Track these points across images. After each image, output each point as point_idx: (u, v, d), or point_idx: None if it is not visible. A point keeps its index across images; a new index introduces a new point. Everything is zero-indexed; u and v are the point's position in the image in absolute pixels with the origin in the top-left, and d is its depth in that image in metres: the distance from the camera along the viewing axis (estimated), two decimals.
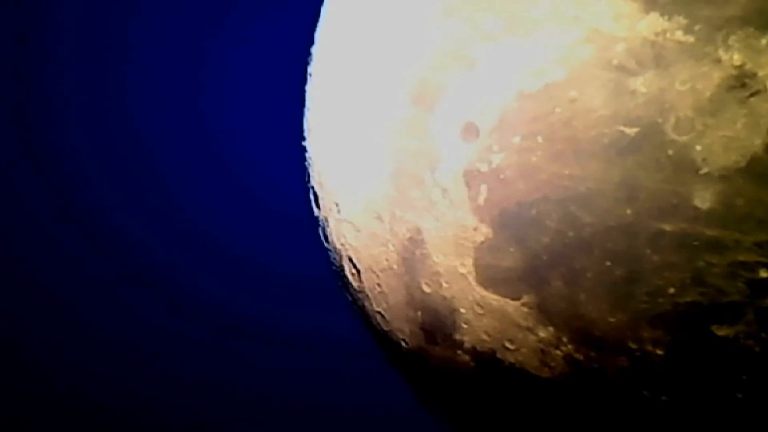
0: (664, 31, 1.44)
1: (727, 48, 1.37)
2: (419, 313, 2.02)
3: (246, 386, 11.79)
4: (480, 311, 1.81)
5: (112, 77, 12.46)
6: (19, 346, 11.43)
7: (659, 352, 1.54)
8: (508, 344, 1.79)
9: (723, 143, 1.38)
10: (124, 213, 12.95)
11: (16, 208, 11.87)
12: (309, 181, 2.55)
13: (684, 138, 1.41)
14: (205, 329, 12.52)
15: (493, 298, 1.77)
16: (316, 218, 2.56)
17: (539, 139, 1.60)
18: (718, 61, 1.38)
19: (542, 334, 1.70)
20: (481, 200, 1.73)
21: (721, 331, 1.46)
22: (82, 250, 12.44)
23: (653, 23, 1.46)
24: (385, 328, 2.24)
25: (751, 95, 1.35)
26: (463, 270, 1.82)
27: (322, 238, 2.53)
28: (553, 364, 1.71)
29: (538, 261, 1.64)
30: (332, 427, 11.38)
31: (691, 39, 1.41)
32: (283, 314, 12.46)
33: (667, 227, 1.46)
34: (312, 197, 2.55)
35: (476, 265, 1.79)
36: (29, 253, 12.03)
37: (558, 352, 1.69)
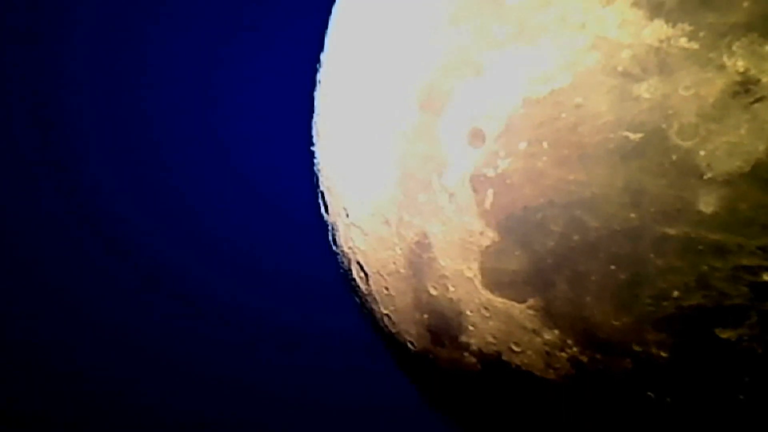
0: (669, 38, 1.46)
1: (731, 54, 1.39)
2: (426, 316, 2.03)
3: (259, 385, 11.85)
4: (486, 314, 1.83)
5: (128, 86, 12.68)
6: (35, 347, 11.60)
7: (663, 354, 1.54)
8: (513, 346, 1.80)
9: (727, 149, 1.39)
10: (140, 218, 13.13)
11: (35, 213, 12.10)
12: (318, 186, 2.59)
13: (688, 143, 1.43)
14: (218, 330, 12.62)
15: (499, 301, 1.78)
16: (325, 222, 2.59)
17: (545, 144, 1.61)
18: (722, 67, 1.39)
19: (548, 336, 1.71)
20: (487, 205, 1.75)
21: (725, 334, 1.47)
22: (98, 253, 12.63)
23: (658, 30, 1.48)
24: (393, 330, 2.26)
25: (755, 101, 1.36)
26: (469, 273, 1.83)
27: (331, 242, 2.56)
28: (558, 366, 1.72)
29: (544, 264, 1.65)
30: (341, 426, 11.39)
31: (695, 45, 1.43)
32: (295, 315, 12.51)
33: (672, 231, 1.47)
34: (321, 202, 2.58)
35: (482, 269, 1.80)
36: (47, 256, 12.24)
37: (563, 354, 1.70)
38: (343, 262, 2.49)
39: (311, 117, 2.59)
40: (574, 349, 1.67)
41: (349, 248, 2.34)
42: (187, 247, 13.40)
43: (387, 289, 2.17)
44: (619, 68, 1.51)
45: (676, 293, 1.49)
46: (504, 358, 1.84)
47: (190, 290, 13.06)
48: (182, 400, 11.56)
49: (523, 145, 1.65)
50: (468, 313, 1.88)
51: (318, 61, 2.53)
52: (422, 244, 1.95)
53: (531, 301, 1.71)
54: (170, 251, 13.25)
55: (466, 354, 1.94)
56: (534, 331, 1.74)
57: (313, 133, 2.58)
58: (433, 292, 1.96)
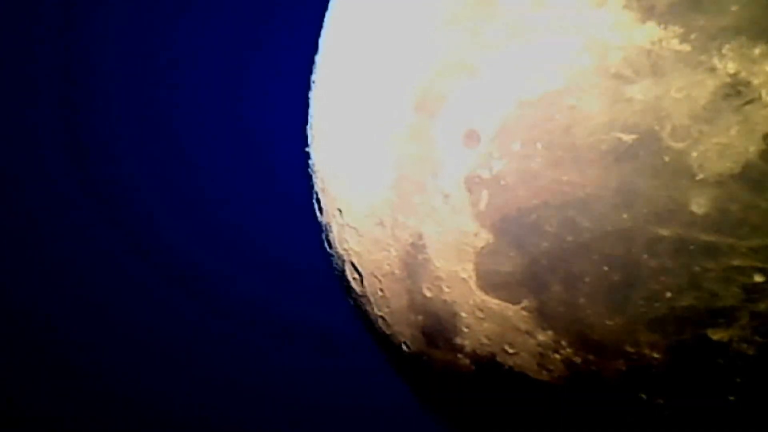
0: (660, 40, 1.47)
1: (722, 57, 1.40)
2: (420, 317, 2.03)
3: (260, 383, 11.88)
4: (480, 315, 1.83)
5: (156, 94, 12.80)
6: (57, 345, 11.62)
7: (656, 355, 1.55)
8: (507, 348, 1.80)
9: (718, 150, 1.40)
10: (164, 217, 13.18)
11: (62, 212, 12.15)
12: (313, 187, 2.58)
13: (680, 145, 1.44)
14: (237, 328, 12.65)
15: (493, 303, 1.79)
16: (320, 224, 2.59)
17: (539, 145, 1.62)
18: (713, 69, 1.41)
19: (541, 338, 1.72)
20: (482, 206, 1.75)
21: (716, 335, 1.48)
22: (123, 252, 12.68)
23: (650, 32, 1.49)
24: (387, 332, 2.26)
25: (746, 103, 1.38)
26: (464, 275, 1.84)
27: (325, 243, 2.56)
28: (551, 367, 1.73)
29: (538, 266, 1.66)
30: (336, 426, 11.40)
31: (686, 48, 1.44)
32: (317, 314, 12.49)
33: (664, 232, 1.48)
34: (315, 203, 2.57)
35: (477, 270, 1.81)
36: (71, 254, 12.29)
37: (557, 355, 1.71)
38: (337, 264, 2.49)
39: (306, 118, 2.59)
40: (568, 350, 1.68)
41: (344, 250, 2.34)
42: (211, 245, 13.44)
43: (381, 290, 2.16)
44: (612, 70, 1.52)
45: (668, 294, 1.50)
46: (498, 359, 1.84)
47: (214, 288, 13.11)
48: (203, 398, 11.59)
49: (517, 147, 1.66)
50: (462, 314, 1.88)
51: (312, 62, 2.53)
52: (417, 246, 1.95)
53: (525, 303, 1.72)
54: (198, 251, 13.29)
55: (460, 355, 1.94)
56: (528, 333, 1.74)
57: (308, 134, 2.57)
58: (428, 293, 1.96)
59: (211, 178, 13.63)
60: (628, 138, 1.49)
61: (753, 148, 1.37)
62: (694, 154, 1.42)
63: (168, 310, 12.61)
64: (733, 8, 1.38)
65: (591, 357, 1.64)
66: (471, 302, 1.84)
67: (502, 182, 1.69)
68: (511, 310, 1.75)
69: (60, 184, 12.31)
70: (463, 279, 1.84)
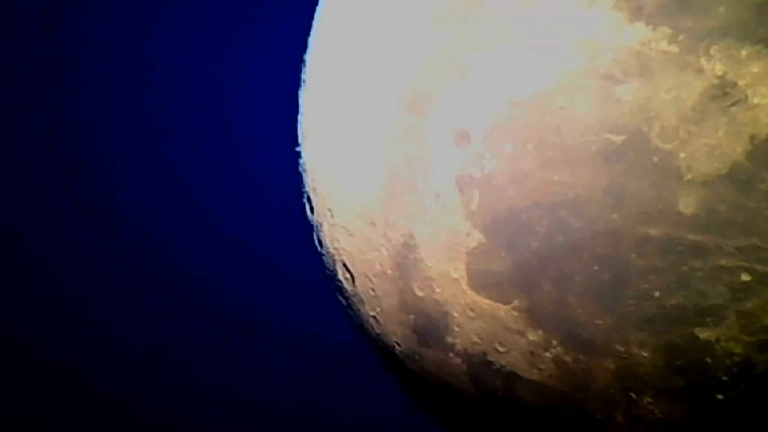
0: (649, 41, 1.48)
1: (709, 58, 1.41)
2: (412, 317, 2.04)
3: (260, 388, 11.83)
4: (471, 315, 1.84)
5: (143, 94, 12.66)
6: (36, 346, 11.49)
7: (645, 354, 1.57)
8: (498, 347, 1.81)
9: (706, 151, 1.42)
10: (146, 215, 13.04)
11: (42, 208, 11.97)
12: (303, 187, 2.57)
13: (668, 145, 1.45)
14: (223, 331, 12.57)
15: (484, 302, 1.79)
16: (311, 223, 2.58)
17: (529, 146, 1.63)
18: (701, 70, 1.42)
19: (532, 337, 1.73)
20: (473, 206, 1.75)
21: (704, 334, 1.50)
22: (104, 250, 12.53)
23: (639, 33, 1.50)
24: (379, 332, 2.26)
25: (733, 104, 1.40)
26: (455, 274, 1.84)
27: (316, 243, 2.55)
28: (542, 366, 1.74)
29: (529, 266, 1.67)
30: (330, 428, 11.40)
31: (675, 49, 1.45)
32: (300, 318, 12.45)
33: (653, 232, 1.49)
34: (306, 202, 2.56)
35: (468, 270, 1.81)
36: (50, 252, 12.12)
37: (547, 354, 1.72)
38: (328, 264, 2.48)
39: (295, 117, 2.58)
40: (558, 349, 1.69)
41: (335, 249, 2.33)
42: (194, 244, 13.32)
43: (373, 290, 2.16)
44: (602, 71, 1.53)
45: (657, 293, 1.51)
46: (489, 358, 1.85)
47: (198, 289, 12.99)
48: (173, 401, 11.50)
49: (508, 147, 1.66)
50: (454, 314, 1.88)
51: (302, 61, 2.52)
52: (408, 245, 1.95)
53: (516, 302, 1.73)
54: (178, 248, 13.14)
55: (451, 354, 1.95)
56: (518, 332, 1.75)
57: (298, 133, 2.56)
58: (419, 293, 1.96)
59: (199, 179, 13.52)
60: (617, 139, 1.50)
61: (740, 149, 1.39)
62: (683, 154, 1.44)
63: (155, 313, 12.50)
64: (721, 9, 1.40)
65: (581, 356, 1.66)
66: (462, 302, 1.84)
67: (494, 182, 1.69)
68: (502, 309, 1.76)
69: (47, 191, 12.17)
70: (455, 279, 1.84)
